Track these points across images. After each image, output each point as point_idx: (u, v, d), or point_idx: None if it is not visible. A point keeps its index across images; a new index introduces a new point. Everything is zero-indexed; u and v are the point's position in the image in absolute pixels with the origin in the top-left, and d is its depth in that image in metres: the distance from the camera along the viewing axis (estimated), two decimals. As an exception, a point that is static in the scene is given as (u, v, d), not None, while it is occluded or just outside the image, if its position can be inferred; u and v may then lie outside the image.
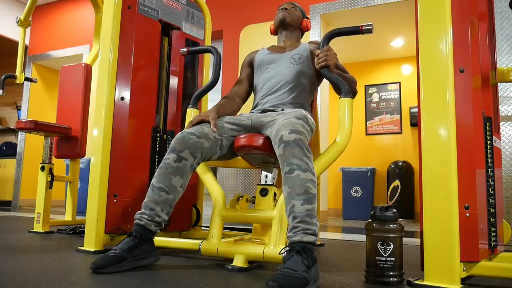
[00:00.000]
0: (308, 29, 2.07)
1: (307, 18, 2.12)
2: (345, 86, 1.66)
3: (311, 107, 2.02)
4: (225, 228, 2.68)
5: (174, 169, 1.55)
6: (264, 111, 1.83)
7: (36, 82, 3.36)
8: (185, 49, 1.99)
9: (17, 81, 3.10)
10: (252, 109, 1.92)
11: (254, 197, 1.79)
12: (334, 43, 5.31)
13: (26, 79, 3.17)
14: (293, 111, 1.64)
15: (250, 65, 2.06)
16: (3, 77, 3.07)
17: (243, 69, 2.07)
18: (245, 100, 2.02)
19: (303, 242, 1.30)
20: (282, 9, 2.03)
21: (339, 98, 1.67)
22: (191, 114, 1.93)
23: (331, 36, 1.72)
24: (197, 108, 1.94)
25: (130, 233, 1.51)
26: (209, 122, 1.70)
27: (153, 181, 1.56)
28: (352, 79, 1.91)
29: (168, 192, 1.54)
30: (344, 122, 1.65)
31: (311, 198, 1.36)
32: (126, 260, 1.44)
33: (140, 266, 1.49)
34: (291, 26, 2.03)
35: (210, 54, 2.17)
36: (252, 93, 2.04)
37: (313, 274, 1.24)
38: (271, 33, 2.14)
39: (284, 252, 1.37)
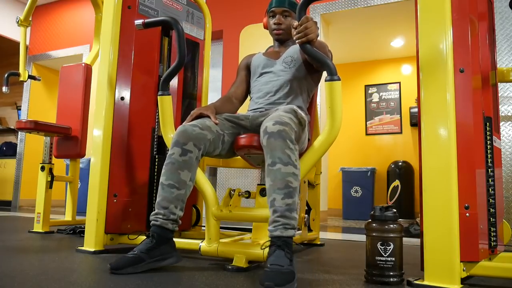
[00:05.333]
0: None
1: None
2: (331, 65, 1.46)
3: (311, 107, 2.01)
4: (225, 228, 2.68)
5: (181, 163, 1.54)
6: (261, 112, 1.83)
7: (40, 80, 3.35)
8: (140, 21, 1.79)
9: (21, 79, 3.08)
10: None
11: (247, 191, 1.80)
12: (334, 44, 5.31)
13: (30, 77, 3.15)
14: (283, 107, 1.63)
15: (247, 67, 2.05)
16: (6, 74, 3.06)
17: (239, 72, 2.06)
18: (242, 102, 2.02)
19: (283, 237, 1.34)
20: (275, 24, 1.91)
21: (325, 80, 1.48)
22: (163, 101, 1.78)
23: (308, 1, 1.44)
24: (169, 94, 1.80)
25: (148, 234, 1.52)
26: (208, 117, 1.70)
27: (162, 179, 1.55)
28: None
29: (179, 188, 1.53)
30: (334, 108, 1.47)
31: (291, 192, 1.37)
32: (143, 261, 1.43)
33: (159, 267, 1.48)
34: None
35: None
36: (249, 97, 2.03)
37: (295, 266, 1.31)
38: (264, 27, 2.04)
39: (264, 248, 1.43)
